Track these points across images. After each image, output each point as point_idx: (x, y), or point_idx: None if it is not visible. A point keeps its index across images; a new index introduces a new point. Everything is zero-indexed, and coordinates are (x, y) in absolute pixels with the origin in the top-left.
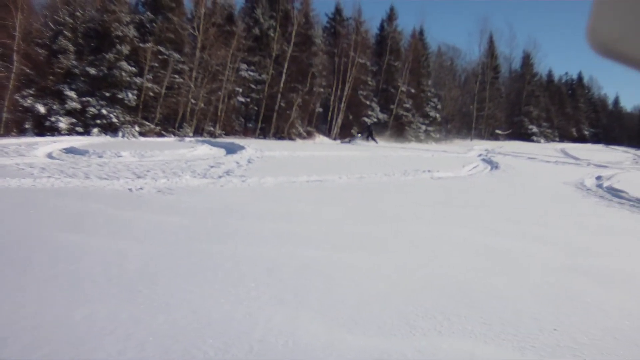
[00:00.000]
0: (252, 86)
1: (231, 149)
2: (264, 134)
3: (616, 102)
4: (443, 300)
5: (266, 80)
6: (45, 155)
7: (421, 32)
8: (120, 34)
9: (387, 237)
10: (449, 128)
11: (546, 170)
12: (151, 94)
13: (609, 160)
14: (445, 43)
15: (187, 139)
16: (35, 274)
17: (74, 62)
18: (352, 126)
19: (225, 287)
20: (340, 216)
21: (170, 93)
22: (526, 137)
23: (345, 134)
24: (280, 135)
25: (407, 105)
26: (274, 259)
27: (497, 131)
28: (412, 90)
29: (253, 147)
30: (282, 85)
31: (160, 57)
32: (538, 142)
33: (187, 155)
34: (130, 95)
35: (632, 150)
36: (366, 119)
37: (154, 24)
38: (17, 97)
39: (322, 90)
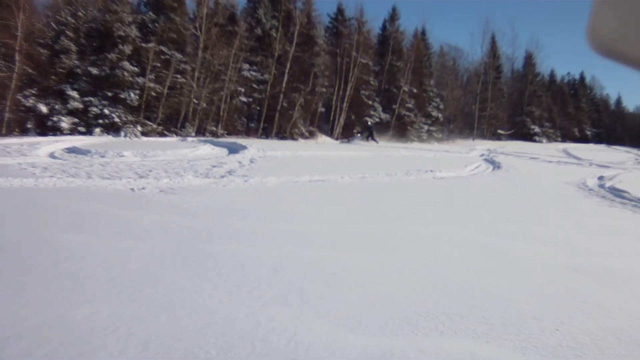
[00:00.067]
0: (255, 86)
1: (233, 149)
2: (266, 133)
3: (618, 102)
4: (445, 300)
5: (268, 80)
6: (48, 155)
7: (423, 32)
8: (122, 34)
9: (389, 237)
10: (451, 128)
11: (548, 170)
12: (153, 93)
13: (611, 160)
14: (447, 43)
15: (190, 138)
16: (37, 273)
17: (76, 62)
18: (355, 126)
19: (227, 287)
20: (342, 216)
21: (172, 93)
22: (528, 137)
23: (347, 134)
24: (282, 135)
25: (410, 105)
26: (276, 258)
27: (500, 131)
28: (415, 90)
29: (255, 147)
30: (284, 85)
31: (162, 57)
32: (540, 142)
33: (189, 155)
34: (132, 95)
35: (634, 151)
36: (369, 119)
37: (156, 24)
38: (19, 97)
39: (324, 90)
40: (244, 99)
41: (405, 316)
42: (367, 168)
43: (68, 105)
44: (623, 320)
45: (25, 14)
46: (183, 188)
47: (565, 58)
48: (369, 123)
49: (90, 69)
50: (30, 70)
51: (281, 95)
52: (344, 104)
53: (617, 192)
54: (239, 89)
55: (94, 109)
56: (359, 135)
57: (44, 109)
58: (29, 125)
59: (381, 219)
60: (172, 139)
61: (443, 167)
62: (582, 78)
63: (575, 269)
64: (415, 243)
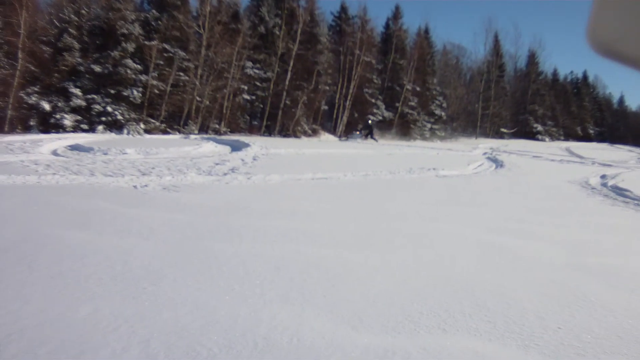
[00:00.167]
0: (258, 84)
1: (236, 147)
2: (269, 131)
3: (621, 101)
4: (447, 298)
5: (271, 78)
6: (50, 152)
7: (426, 31)
8: (125, 31)
9: (392, 235)
10: (454, 126)
11: (551, 169)
12: (156, 91)
13: (614, 159)
14: (450, 41)
15: (192, 136)
16: (40, 271)
17: (79, 59)
18: (358, 124)
19: (229, 285)
20: (344, 214)
21: (175, 90)
22: (531, 135)
23: (350, 132)
24: (285, 132)
25: (413, 104)
26: (279, 256)
27: (502, 129)
28: (418, 89)
29: (258, 145)
30: (287, 83)
31: (165, 54)
32: (543, 140)
33: (192, 152)
34: (135, 92)
35: (636, 150)
36: (371, 116)
37: (159, 22)
38: (22, 95)
39: (327, 88)
40: (247, 96)
41: (407, 314)
42: (370, 166)
43: (71, 103)
44: (625, 319)
45: (28, 12)
46: (186, 185)
47: (568, 57)
48: (370, 122)
49: (93, 66)
50: (33, 68)
51: (284, 93)
52: (347, 102)
53: (619, 191)
54: (242, 86)
55: (97, 106)
56: (357, 133)
57: (46, 106)
58: (31, 123)
59: (384, 217)
60: (175, 137)
61: (446, 165)
62: (585, 77)
63: (577, 268)
64: (418, 241)
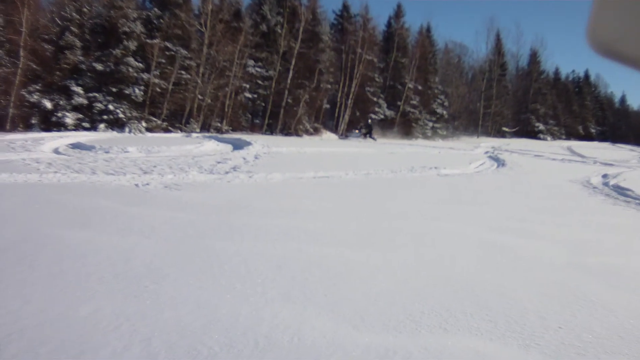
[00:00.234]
0: (259, 82)
1: (238, 145)
2: (270, 130)
3: (623, 100)
4: (448, 297)
5: (273, 76)
6: (52, 150)
7: (428, 29)
8: (127, 29)
9: (393, 234)
10: (455, 125)
11: (552, 168)
12: (158, 89)
13: (615, 158)
14: (452, 40)
15: (194, 134)
16: (41, 270)
17: (80, 57)
18: (360, 122)
19: (231, 283)
20: (346, 213)
21: (177, 89)
22: (533, 134)
23: (350, 130)
24: (287, 131)
25: (414, 102)
26: (280, 255)
27: (504, 128)
28: (419, 87)
29: (260, 143)
30: (289, 81)
31: (167, 53)
32: (545, 139)
33: (194, 151)
34: (137, 91)
35: (638, 149)
36: (373, 115)
37: (161, 20)
38: (24, 93)
39: (329, 86)
40: (248, 95)
41: (409, 313)
42: (372, 164)
43: (72, 101)
44: (627, 319)
45: (30, 10)
46: (187, 184)
47: (570, 56)
48: (369, 121)
49: (94, 64)
50: (34, 66)
51: (286, 92)
52: (349, 101)
53: (621, 190)
54: (244, 85)
55: (99, 104)
56: (356, 131)
57: (48, 104)
58: (33, 121)
59: (385, 216)
60: (177, 135)
61: (447, 164)
62: (586, 76)
63: (578, 267)
64: (419, 240)
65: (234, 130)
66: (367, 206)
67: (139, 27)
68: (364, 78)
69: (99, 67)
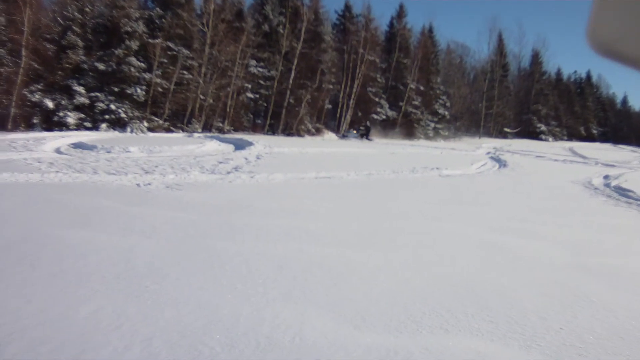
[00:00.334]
0: (261, 82)
1: (240, 145)
2: (272, 130)
3: (624, 101)
4: (449, 298)
5: (275, 76)
6: (54, 150)
7: (430, 30)
8: (129, 29)
9: (394, 235)
10: (457, 126)
11: (554, 169)
12: (160, 89)
13: (617, 159)
14: (454, 41)
15: (196, 134)
16: (41, 269)
17: (82, 57)
18: (361, 122)
19: (232, 283)
20: (347, 213)
21: (179, 89)
22: (534, 135)
23: (349, 130)
24: (289, 131)
25: (416, 103)
26: (282, 255)
27: (506, 129)
28: (421, 88)
29: (262, 143)
30: (291, 81)
31: (169, 52)
32: (546, 140)
33: (195, 151)
34: (139, 90)
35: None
36: (374, 116)
37: (163, 20)
38: (26, 92)
39: (331, 86)
40: (250, 95)
41: (410, 314)
42: (373, 165)
43: (74, 101)
44: (627, 319)
45: (32, 10)
46: (189, 184)
47: (571, 57)
48: (368, 123)
49: (96, 64)
50: (36, 66)
51: (288, 92)
52: (351, 101)
53: (622, 192)
54: (246, 85)
55: (100, 104)
56: (354, 132)
57: (50, 104)
58: (35, 121)
59: (386, 216)
60: (179, 135)
61: (449, 164)
62: (588, 77)
63: (579, 268)
64: (421, 241)
65: (236, 130)
66: (368, 206)
67: (141, 27)
68: (366, 78)
69: (101, 66)
